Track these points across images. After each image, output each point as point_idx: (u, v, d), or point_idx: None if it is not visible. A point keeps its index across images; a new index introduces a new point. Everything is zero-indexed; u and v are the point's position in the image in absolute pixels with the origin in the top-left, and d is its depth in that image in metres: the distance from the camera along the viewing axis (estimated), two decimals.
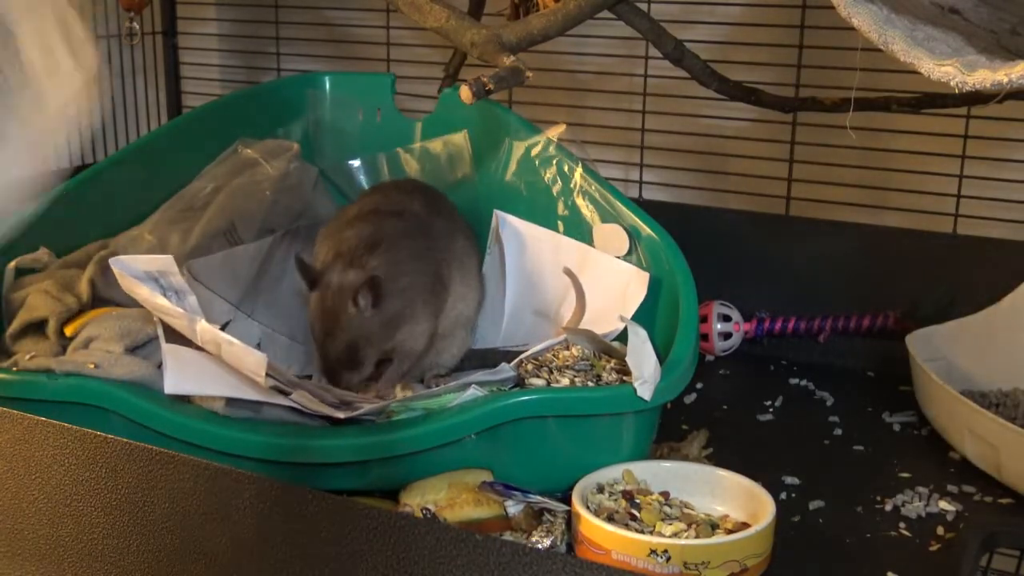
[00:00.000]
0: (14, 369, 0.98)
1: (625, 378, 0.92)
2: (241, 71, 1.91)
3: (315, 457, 0.89)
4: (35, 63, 0.94)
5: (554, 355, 0.99)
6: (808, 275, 1.39)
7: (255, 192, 1.25)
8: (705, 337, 1.36)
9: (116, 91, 1.82)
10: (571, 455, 0.91)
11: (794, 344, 1.37)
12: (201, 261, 1.15)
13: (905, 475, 1.05)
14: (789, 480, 1.04)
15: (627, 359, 0.90)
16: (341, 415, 0.93)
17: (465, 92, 0.99)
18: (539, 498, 0.90)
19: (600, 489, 0.90)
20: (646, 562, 0.80)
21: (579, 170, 1.20)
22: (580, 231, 1.18)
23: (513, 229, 1.23)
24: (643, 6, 1.27)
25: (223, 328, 1.08)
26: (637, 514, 0.86)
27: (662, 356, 0.93)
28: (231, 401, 0.93)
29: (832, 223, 1.41)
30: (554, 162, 1.23)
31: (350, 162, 1.39)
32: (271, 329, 1.20)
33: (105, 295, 1.09)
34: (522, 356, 0.98)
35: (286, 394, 0.94)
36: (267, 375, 0.89)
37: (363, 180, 1.39)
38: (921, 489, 1.02)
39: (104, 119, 1.80)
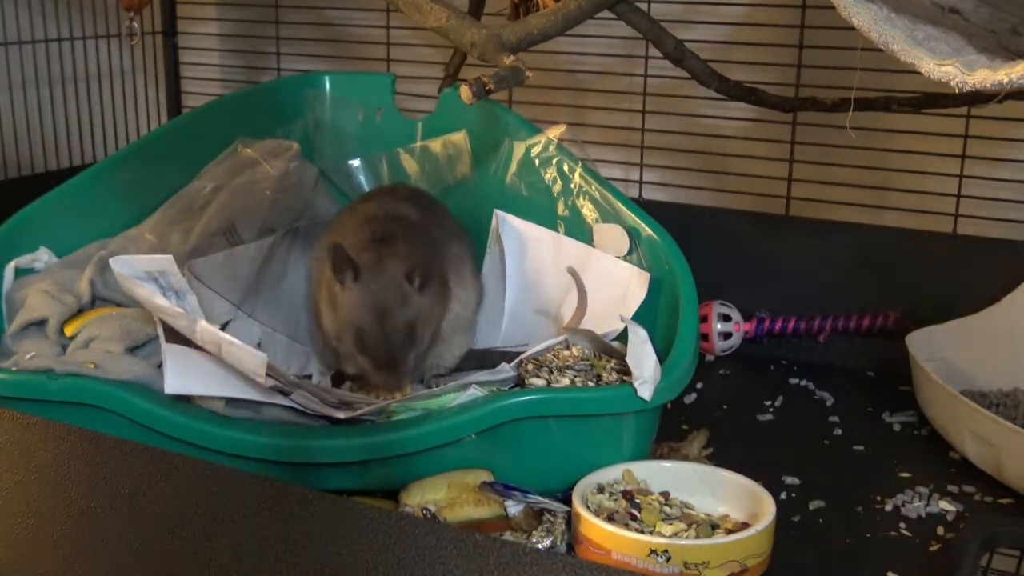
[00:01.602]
0: (14, 369, 0.98)
1: (625, 378, 0.92)
2: (241, 71, 1.91)
3: (315, 457, 0.89)
4: None
5: (554, 355, 0.99)
6: (808, 275, 1.39)
7: (255, 192, 1.25)
8: (705, 337, 1.36)
9: (116, 91, 1.82)
10: (571, 455, 0.91)
11: (794, 344, 1.37)
12: (202, 261, 1.15)
13: (905, 475, 1.05)
14: (789, 480, 1.04)
15: (627, 359, 0.90)
16: (341, 415, 0.93)
17: (465, 92, 0.99)
18: (539, 498, 0.90)
19: (600, 489, 0.90)
20: (646, 562, 0.80)
21: (579, 170, 1.20)
22: (580, 231, 1.18)
23: (513, 229, 1.23)
24: (643, 6, 1.27)
25: (223, 328, 1.08)
26: (637, 514, 0.86)
27: (662, 356, 0.93)
28: (231, 401, 0.93)
29: (832, 223, 1.41)
30: (554, 162, 1.23)
31: (350, 162, 1.39)
32: (271, 329, 1.20)
33: (105, 295, 1.09)
34: (522, 356, 0.98)
35: (286, 394, 0.94)
36: (267, 375, 0.89)
37: (363, 180, 1.39)
38: (921, 489, 1.02)
39: (104, 119, 1.80)
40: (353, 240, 1.07)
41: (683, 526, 0.85)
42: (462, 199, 1.29)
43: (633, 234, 1.13)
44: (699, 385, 1.26)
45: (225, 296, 1.16)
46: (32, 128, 1.72)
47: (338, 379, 1.14)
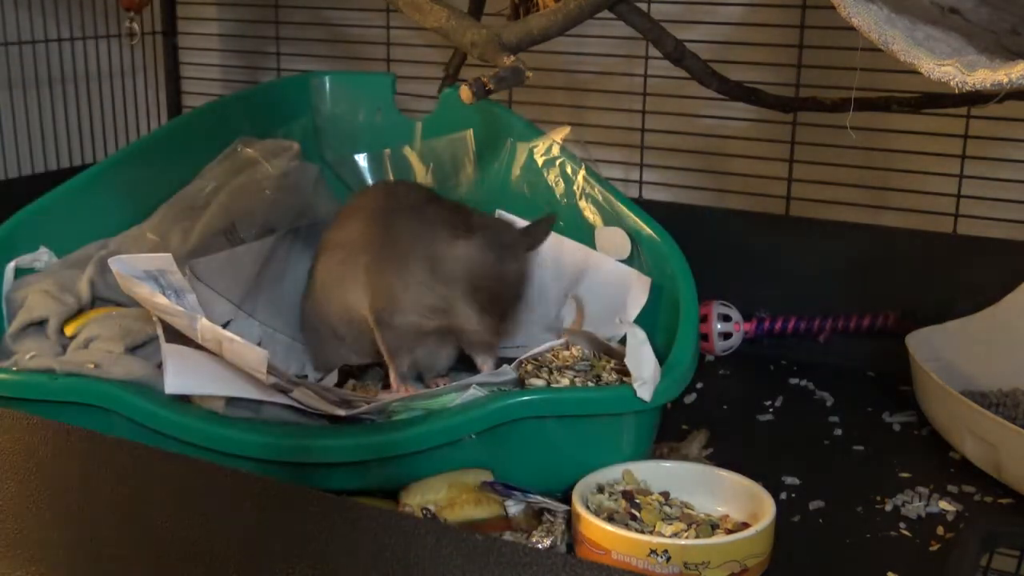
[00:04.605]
0: (14, 369, 0.98)
1: (625, 378, 0.92)
2: (241, 71, 1.91)
3: (315, 457, 0.89)
4: None
5: (554, 356, 0.99)
6: (808, 275, 1.39)
7: (255, 191, 1.25)
8: (705, 337, 1.36)
9: (116, 91, 1.82)
10: (571, 455, 0.91)
11: (794, 344, 1.37)
12: (203, 261, 1.15)
13: (905, 475, 1.05)
14: (789, 480, 1.04)
15: (626, 360, 0.90)
16: (342, 412, 0.93)
17: (465, 92, 0.99)
18: (539, 498, 0.90)
19: (600, 489, 0.90)
20: (646, 562, 0.80)
21: (582, 172, 1.20)
22: (582, 233, 1.18)
23: None
24: (643, 6, 1.27)
25: (224, 327, 1.08)
26: (637, 514, 0.86)
27: (662, 356, 0.93)
28: (231, 401, 0.93)
29: (832, 223, 1.41)
30: (557, 164, 1.23)
31: (355, 156, 1.40)
32: (272, 329, 1.20)
33: (105, 295, 1.09)
34: (522, 357, 0.98)
35: (287, 392, 0.94)
36: (268, 373, 0.89)
37: (368, 176, 1.40)
38: (921, 489, 1.02)
39: (104, 119, 1.80)
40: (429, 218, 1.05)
41: (683, 526, 0.85)
42: (464, 199, 1.29)
43: (634, 236, 1.13)
44: (699, 385, 1.26)
45: (225, 296, 1.16)
46: (32, 128, 1.72)
47: (343, 378, 1.14)
